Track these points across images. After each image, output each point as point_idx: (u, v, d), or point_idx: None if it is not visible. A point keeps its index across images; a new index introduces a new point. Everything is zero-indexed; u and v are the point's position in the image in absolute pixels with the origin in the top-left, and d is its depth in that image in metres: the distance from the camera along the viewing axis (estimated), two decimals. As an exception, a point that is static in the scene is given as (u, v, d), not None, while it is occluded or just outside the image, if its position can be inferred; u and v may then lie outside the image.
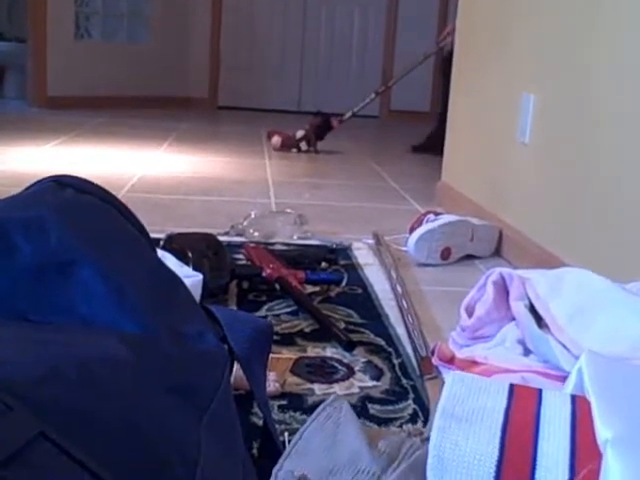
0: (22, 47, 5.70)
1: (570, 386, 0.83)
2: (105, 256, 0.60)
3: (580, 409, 0.72)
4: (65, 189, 0.64)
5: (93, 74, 5.66)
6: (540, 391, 0.76)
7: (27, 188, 0.65)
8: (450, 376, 0.76)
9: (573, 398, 0.76)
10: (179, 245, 1.60)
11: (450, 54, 3.04)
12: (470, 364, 1.25)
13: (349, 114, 4.36)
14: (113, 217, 0.65)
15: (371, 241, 2.17)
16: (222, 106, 6.42)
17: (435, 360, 1.30)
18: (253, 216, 2.21)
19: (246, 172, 3.35)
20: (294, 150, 4.05)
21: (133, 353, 0.51)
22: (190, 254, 1.56)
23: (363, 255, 2.05)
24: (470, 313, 1.40)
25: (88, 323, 0.58)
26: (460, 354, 1.32)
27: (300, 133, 4.10)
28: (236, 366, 0.72)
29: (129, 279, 0.59)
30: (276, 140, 4.08)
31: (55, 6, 5.43)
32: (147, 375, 0.51)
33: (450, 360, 1.30)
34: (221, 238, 1.79)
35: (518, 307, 1.30)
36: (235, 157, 3.77)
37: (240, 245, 1.99)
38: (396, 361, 1.34)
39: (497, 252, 2.16)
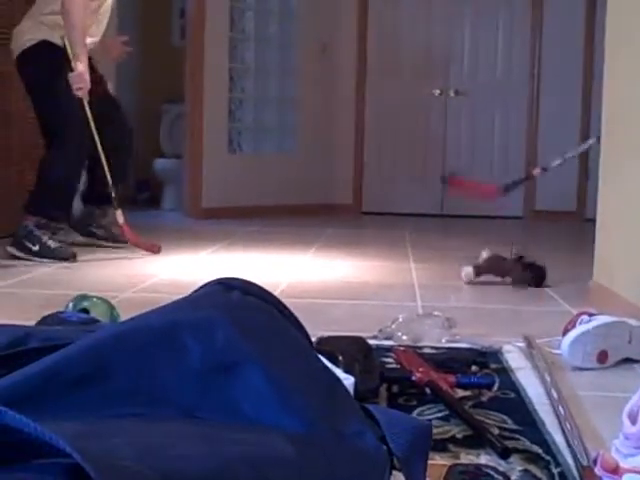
0: (179, 163, 6.11)
1: None
2: (269, 356, 0.62)
3: None
4: (231, 291, 0.67)
5: (244, 185, 5.95)
6: None
7: (196, 290, 0.70)
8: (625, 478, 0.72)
9: None
10: (330, 348, 1.62)
11: None
12: (638, 475, 1.17)
13: (558, 162, 3.60)
14: (275, 318, 0.67)
15: (522, 344, 2.11)
16: (366, 212, 6.54)
17: (598, 470, 1.23)
18: (401, 319, 2.21)
19: (391, 275, 3.37)
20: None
21: (298, 452, 0.53)
22: (341, 357, 1.57)
23: (514, 358, 1.99)
24: (633, 420, 1.33)
25: (252, 421, 0.61)
26: (625, 464, 1.24)
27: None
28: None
29: (292, 379, 0.61)
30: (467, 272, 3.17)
31: (211, 123, 5.81)
32: (312, 474, 0.52)
33: (614, 470, 1.22)
34: (370, 342, 1.80)
35: (687, 414, 1.22)
36: (380, 261, 3.81)
37: (389, 349, 1.98)
38: (555, 470, 1.27)
39: (659, 356, 2.04)
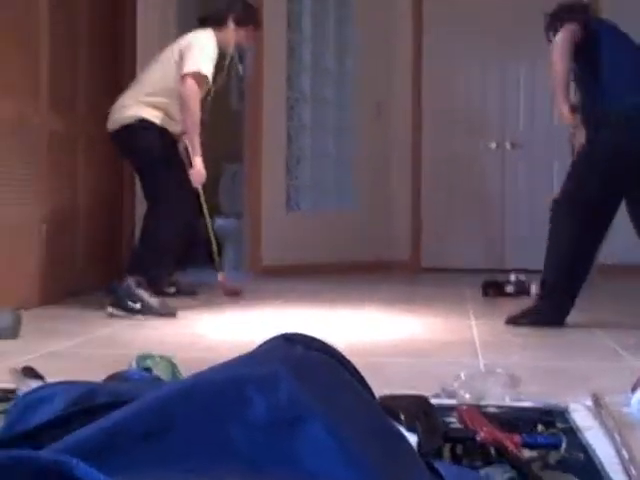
0: (239, 222, 6.19)
1: None
2: (332, 412, 0.62)
3: None
4: (294, 346, 0.68)
5: (303, 243, 5.99)
6: None
7: (260, 345, 0.70)
8: None
9: None
10: (391, 406, 1.60)
11: None
12: None
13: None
14: (338, 372, 0.67)
15: (589, 402, 2.05)
16: (425, 268, 6.51)
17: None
18: (463, 377, 2.17)
19: (451, 332, 3.33)
20: None
21: (363, 507, 0.52)
22: (402, 416, 1.55)
23: (582, 417, 1.93)
24: None
25: (315, 476, 0.60)
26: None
27: None
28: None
29: (355, 434, 0.61)
30: None
31: (269, 181, 5.89)
32: (378, 530, 0.51)
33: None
34: (432, 401, 1.77)
35: None
36: (439, 318, 3.77)
37: (452, 408, 1.95)
38: (628, 533, 1.22)
39: None
